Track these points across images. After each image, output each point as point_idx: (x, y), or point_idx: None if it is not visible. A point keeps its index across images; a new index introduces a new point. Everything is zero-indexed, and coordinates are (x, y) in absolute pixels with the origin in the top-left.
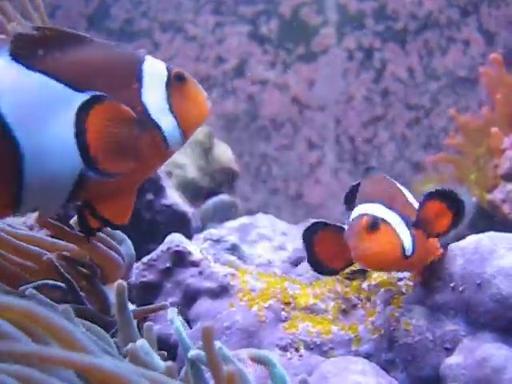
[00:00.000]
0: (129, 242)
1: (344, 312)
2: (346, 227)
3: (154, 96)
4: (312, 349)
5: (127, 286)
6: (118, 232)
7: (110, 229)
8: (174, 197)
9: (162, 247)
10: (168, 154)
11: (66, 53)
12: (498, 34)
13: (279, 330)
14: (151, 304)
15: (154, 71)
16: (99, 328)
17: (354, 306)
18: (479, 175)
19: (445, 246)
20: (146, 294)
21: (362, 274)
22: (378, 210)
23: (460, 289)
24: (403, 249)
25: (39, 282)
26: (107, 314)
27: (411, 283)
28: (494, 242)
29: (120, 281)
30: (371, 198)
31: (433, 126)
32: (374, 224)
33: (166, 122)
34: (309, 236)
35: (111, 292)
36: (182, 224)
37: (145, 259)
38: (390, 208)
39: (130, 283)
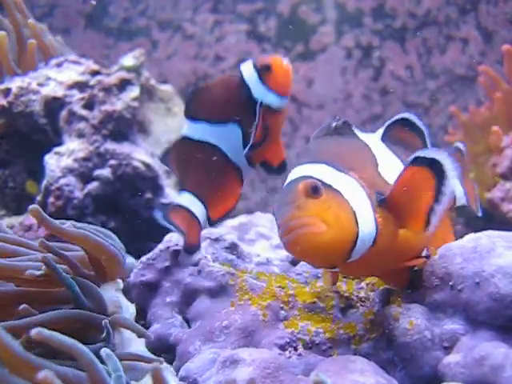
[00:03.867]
0: (116, 238)
1: (343, 311)
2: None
3: None
4: (311, 348)
5: (126, 286)
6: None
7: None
8: (172, 196)
9: (161, 246)
10: None
11: None
12: (496, 32)
13: (278, 329)
14: (150, 303)
15: None
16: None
17: (353, 305)
18: (478, 173)
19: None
20: (145, 293)
21: None
22: (323, 171)
23: (459, 287)
24: (357, 234)
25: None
26: (104, 312)
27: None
28: (493, 241)
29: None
30: (317, 157)
31: (431, 124)
32: (314, 189)
33: None
34: None
35: (111, 288)
36: None
37: (144, 258)
38: (343, 171)
39: (129, 282)
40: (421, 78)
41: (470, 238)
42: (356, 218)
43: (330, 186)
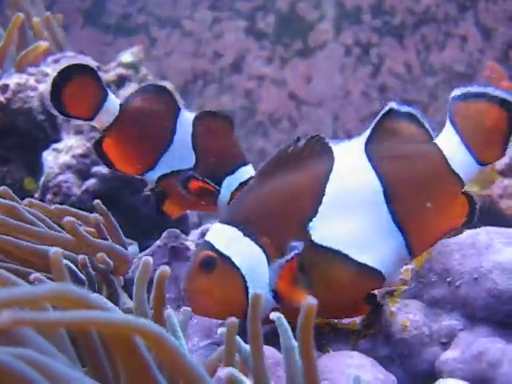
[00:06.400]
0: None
1: None
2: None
3: None
4: None
5: (125, 282)
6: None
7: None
8: None
9: (159, 242)
10: None
11: None
12: (495, 30)
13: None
14: (148, 300)
15: None
16: None
17: None
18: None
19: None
20: None
21: None
22: (227, 239)
23: (456, 283)
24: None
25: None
26: (116, 303)
27: (407, 278)
28: (491, 237)
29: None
30: (234, 215)
31: (430, 122)
32: (208, 265)
33: None
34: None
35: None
36: (179, 219)
37: (141, 254)
38: (252, 239)
39: (128, 278)
40: (419, 75)
41: (468, 234)
42: (247, 295)
43: (227, 259)
